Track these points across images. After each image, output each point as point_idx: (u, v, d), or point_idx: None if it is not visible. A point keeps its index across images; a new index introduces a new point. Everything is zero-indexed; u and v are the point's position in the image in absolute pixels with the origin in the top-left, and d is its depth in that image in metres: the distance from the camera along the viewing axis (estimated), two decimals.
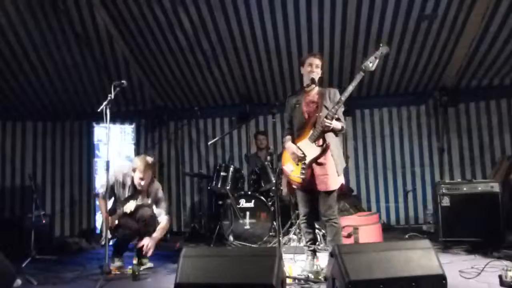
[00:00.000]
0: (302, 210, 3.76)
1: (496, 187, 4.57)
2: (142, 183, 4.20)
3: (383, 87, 6.54)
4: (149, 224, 4.21)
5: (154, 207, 4.35)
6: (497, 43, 5.49)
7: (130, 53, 5.99)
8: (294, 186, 3.76)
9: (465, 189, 4.68)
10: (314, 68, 3.62)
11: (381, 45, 3.49)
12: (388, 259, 2.46)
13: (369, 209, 6.48)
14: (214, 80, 6.49)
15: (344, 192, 5.77)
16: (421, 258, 2.48)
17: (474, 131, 6.49)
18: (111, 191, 4.22)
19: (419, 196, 6.56)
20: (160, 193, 4.43)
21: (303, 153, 3.52)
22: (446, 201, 4.70)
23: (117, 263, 4.15)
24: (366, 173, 6.80)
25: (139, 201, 4.28)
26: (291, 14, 5.23)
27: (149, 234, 4.21)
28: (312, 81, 3.61)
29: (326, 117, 3.39)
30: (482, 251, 4.15)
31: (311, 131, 3.51)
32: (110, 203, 4.24)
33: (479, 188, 4.63)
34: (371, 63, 3.41)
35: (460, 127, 6.54)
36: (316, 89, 3.69)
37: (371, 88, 6.61)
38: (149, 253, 4.11)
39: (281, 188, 4.88)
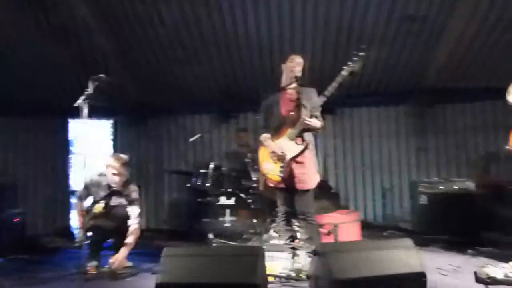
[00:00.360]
0: (281, 208, 3.75)
1: (472, 186, 4.69)
2: (117, 179, 4.09)
3: (363, 86, 6.60)
4: (125, 222, 4.12)
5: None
6: (475, 46, 5.60)
7: (109, 47, 5.85)
8: (272, 185, 3.72)
9: (442, 187, 4.80)
10: (298, 67, 3.61)
11: (362, 46, 3.57)
12: (372, 258, 2.48)
13: (347, 207, 6.54)
14: (195, 76, 6.41)
15: (324, 190, 5.81)
16: (403, 256, 2.50)
17: (450, 132, 6.64)
18: (87, 191, 4.12)
19: (396, 194, 6.66)
20: (135, 195, 4.27)
21: (283, 152, 3.51)
22: (424, 199, 4.80)
23: (94, 262, 4.05)
24: (345, 171, 6.86)
25: (113, 202, 4.17)
26: (274, 11, 5.21)
27: (125, 231, 4.13)
28: (296, 78, 3.59)
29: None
30: (458, 249, 4.23)
31: (290, 130, 3.50)
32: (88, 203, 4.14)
33: (456, 187, 4.75)
34: (354, 65, 3.54)
35: (437, 127, 6.67)
36: (294, 88, 3.67)
37: (352, 87, 6.65)
38: (116, 266, 3.92)
39: (261, 184, 4.87)
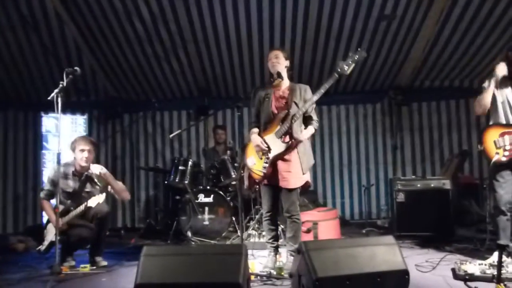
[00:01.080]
0: (265, 206, 3.65)
1: (447, 184, 4.79)
2: (85, 156, 3.95)
3: (341, 84, 6.65)
4: (105, 222, 4.00)
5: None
6: (449, 46, 5.72)
7: (83, 40, 5.67)
8: (256, 180, 3.62)
9: (419, 185, 4.86)
10: (274, 59, 3.57)
11: (358, 49, 3.42)
12: (354, 255, 2.47)
13: (326, 205, 6.59)
14: (173, 72, 6.31)
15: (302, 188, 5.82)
16: (385, 253, 2.50)
17: (425, 129, 6.78)
18: (54, 187, 3.87)
19: (373, 192, 6.75)
20: (105, 171, 4.17)
21: (268, 147, 3.43)
22: (401, 197, 4.85)
23: (70, 262, 3.92)
24: (323, 169, 6.91)
25: (88, 188, 4.05)
26: (253, 7, 5.16)
27: (104, 233, 4.01)
28: (278, 75, 3.53)
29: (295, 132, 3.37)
30: (434, 245, 4.30)
31: (278, 127, 3.42)
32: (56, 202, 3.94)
33: (432, 185, 4.83)
34: (347, 67, 3.36)
35: (412, 125, 6.80)
36: (286, 84, 3.62)
37: (330, 86, 6.67)
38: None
39: (244, 181, 4.81)
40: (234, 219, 5.06)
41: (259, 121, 3.61)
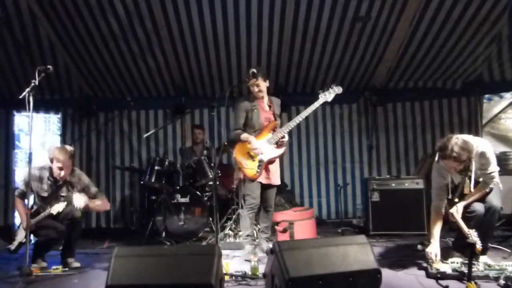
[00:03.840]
0: (254, 201, 4.02)
1: (420, 183, 4.89)
2: (62, 173, 3.88)
3: (317, 84, 6.68)
4: (76, 223, 3.91)
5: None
6: (423, 48, 5.84)
7: (56, 37, 5.54)
8: (249, 179, 4.01)
9: (393, 185, 4.96)
10: (256, 89, 4.09)
11: (334, 85, 4.09)
12: (327, 255, 2.49)
13: (302, 204, 6.64)
14: (149, 71, 6.23)
15: (279, 187, 5.84)
16: (357, 253, 2.53)
17: (400, 129, 6.90)
18: (28, 188, 3.76)
19: (349, 191, 6.82)
20: (85, 179, 4.11)
21: (262, 153, 3.96)
22: (376, 196, 4.94)
23: (40, 264, 3.83)
24: (300, 168, 6.95)
25: (64, 193, 3.97)
26: (230, 6, 5.13)
27: (75, 234, 3.93)
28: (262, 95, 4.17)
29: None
30: (408, 244, 4.38)
31: (270, 135, 4.02)
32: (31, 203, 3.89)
33: (406, 184, 4.93)
34: (330, 95, 4.05)
35: (387, 125, 6.91)
36: (266, 98, 4.24)
37: (307, 85, 6.74)
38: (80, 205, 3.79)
39: (236, 178, 5.03)
40: (211, 219, 5.03)
41: (244, 129, 4.09)
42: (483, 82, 6.41)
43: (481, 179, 3.37)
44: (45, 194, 3.95)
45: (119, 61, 6.00)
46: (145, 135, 5.20)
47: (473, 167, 3.29)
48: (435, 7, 5.12)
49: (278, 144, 4.03)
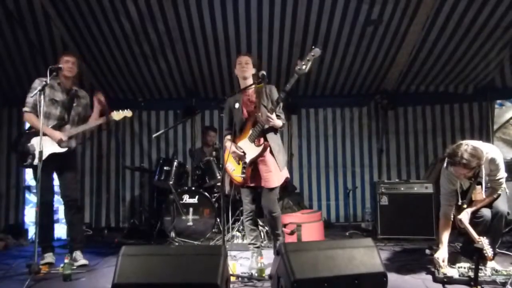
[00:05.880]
0: (247, 207, 3.75)
1: (430, 188, 4.85)
2: (69, 66, 4.00)
3: (328, 87, 6.69)
4: (75, 205, 4.05)
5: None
6: (434, 52, 5.78)
7: (70, 37, 5.61)
8: (237, 184, 3.76)
9: (402, 189, 4.93)
10: (244, 65, 3.66)
11: (313, 47, 3.40)
12: (333, 257, 2.49)
13: (311, 207, 6.62)
14: (160, 72, 6.27)
15: (288, 190, 5.84)
16: (364, 256, 2.52)
17: (410, 134, 6.84)
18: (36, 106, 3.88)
19: (358, 194, 6.79)
20: (88, 99, 4.36)
21: (244, 152, 3.58)
22: (384, 200, 4.91)
23: (47, 259, 3.87)
24: (309, 171, 6.93)
25: (75, 103, 4.18)
26: (241, 9, 5.16)
27: (76, 221, 4.10)
28: (244, 78, 3.66)
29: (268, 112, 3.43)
30: (416, 248, 4.35)
31: (251, 131, 3.56)
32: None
33: (415, 189, 4.89)
34: (305, 66, 3.33)
35: (398, 129, 6.86)
36: (252, 87, 3.70)
37: (317, 88, 6.73)
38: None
39: (225, 186, 4.86)
40: (218, 220, 5.05)
41: (232, 128, 3.69)
42: (495, 88, 6.35)
43: (489, 185, 3.35)
44: (58, 99, 4.05)
45: (131, 62, 6.05)
46: (154, 135, 5.22)
47: (483, 173, 3.27)
48: (447, 12, 5.08)
49: (256, 141, 3.54)
